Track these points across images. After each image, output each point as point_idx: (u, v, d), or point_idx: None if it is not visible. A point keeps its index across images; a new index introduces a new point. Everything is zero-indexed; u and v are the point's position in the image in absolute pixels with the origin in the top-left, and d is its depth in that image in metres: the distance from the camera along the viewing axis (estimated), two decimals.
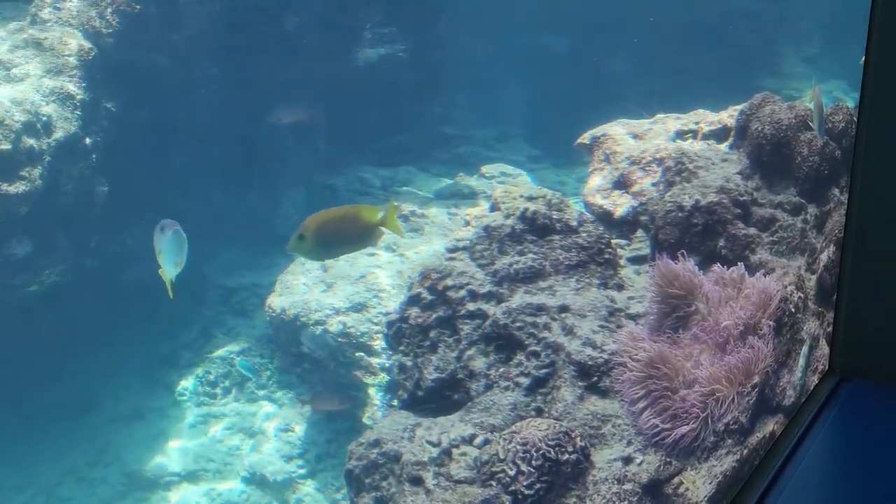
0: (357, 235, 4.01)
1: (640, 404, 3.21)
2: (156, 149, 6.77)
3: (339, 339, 5.41)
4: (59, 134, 5.71)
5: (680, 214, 3.86)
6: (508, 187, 4.61)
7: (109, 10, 6.24)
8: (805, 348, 3.49)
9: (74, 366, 6.17)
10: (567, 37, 8.76)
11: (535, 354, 3.56)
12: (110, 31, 6.27)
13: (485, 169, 6.89)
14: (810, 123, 4.03)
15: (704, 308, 3.38)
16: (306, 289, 5.63)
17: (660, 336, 3.40)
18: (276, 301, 5.72)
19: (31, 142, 5.45)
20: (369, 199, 7.02)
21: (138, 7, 6.21)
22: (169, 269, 3.57)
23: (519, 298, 3.79)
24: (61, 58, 6.00)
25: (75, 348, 6.10)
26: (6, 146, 5.22)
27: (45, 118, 5.64)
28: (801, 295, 3.55)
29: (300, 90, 7.00)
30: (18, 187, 5.33)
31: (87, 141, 6.04)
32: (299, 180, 7.52)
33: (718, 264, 3.59)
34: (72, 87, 5.94)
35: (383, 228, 3.95)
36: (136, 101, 6.62)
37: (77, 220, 6.09)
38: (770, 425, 3.32)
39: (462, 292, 3.87)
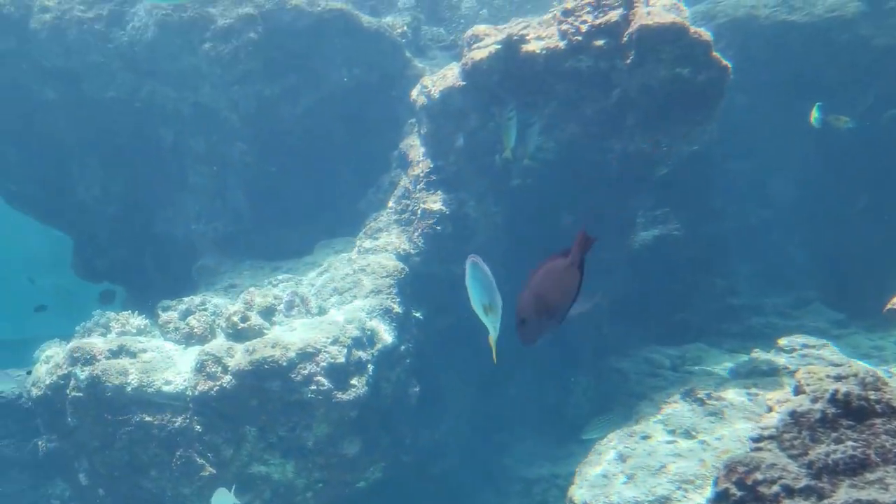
0: None
1: None
2: (457, 351, 7.48)
3: None
4: (380, 345, 6.64)
5: None
6: (812, 367, 4.30)
7: (416, 233, 7.34)
8: None
9: None
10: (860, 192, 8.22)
11: None
12: (417, 251, 7.33)
13: (783, 341, 6.45)
14: None
15: None
16: (606, 480, 5.58)
17: None
18: (577, 493, 5.73)
19: (359, 353, 6.39)
20: (660, 381, 6.91)
21: (438, 228, 7.21)
22: (478, 310, 3.62)
23: (844, 494, 3.41)
24: (381, 279, 7.11)
25: None
26: (341, 360, 6.18)
27: (369, 332, 6.62)
28: None
29: (581, 280, 7.35)
30: (350, 394, 6.19)
31: (402, 348, 6.91)
32: (586, 366, 7.69)
33: None
34: (389, 303, 6.95)
35: None
36: (439, 309, 7.49)
37: (395, 419, 6.83)
38: None
39: (775, 487, 3.59)
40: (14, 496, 7.21)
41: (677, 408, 6.07)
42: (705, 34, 6.15)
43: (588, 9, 6.22)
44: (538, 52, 6.42)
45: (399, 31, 9.05)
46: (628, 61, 6.15)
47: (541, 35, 6.48)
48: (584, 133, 6.66)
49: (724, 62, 6.22)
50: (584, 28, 6.20)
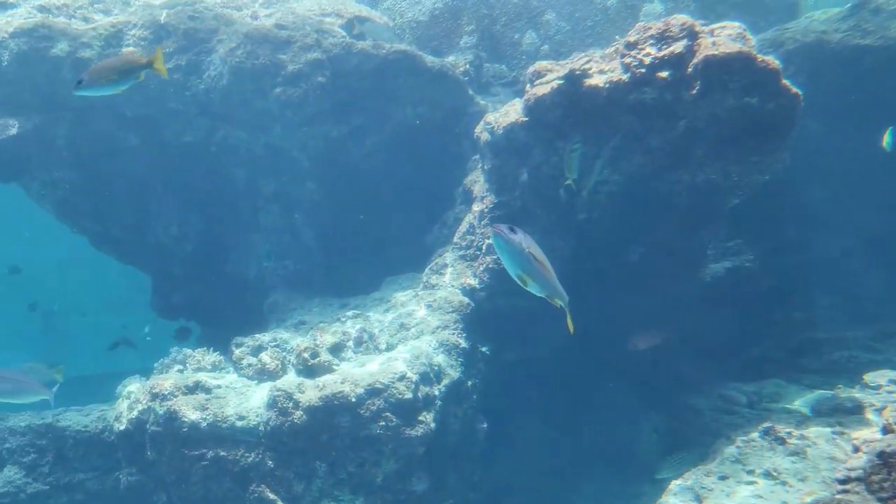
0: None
1: None
2: (523, 385, 7.41)
3: None
4: (447, 380, 6.64)
5: None
6: None
7: (481, 268, 7.36)
8: None
9: None
10: None
11: None
12: (482, 286, 7.34)
13: (868, 377, 6.14)
14: None
15: None
16: None
17: None
18: None
19: (426, 389, 6.40)
20: (737, 419, 6.66)
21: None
22: (513, 273, 3.78)
23: None
24: (447, 314, 7.14)
25: None
26: (409, 396, 6.20)
27: (436, 368, 6.63)
28: None
29: (650, 314, 7.22)
30: (418, 430, 6.19)
31: (469, 384, 6.89)
32: (658, 402, 7.50)
33: None
34: (455, 338, 6.97)
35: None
36: (505, 343, 7.46)
37: (462, 456, 6.79)
38: None
39: None
40: None
41: (756, 447, 5.85)
42: (773, 62, 6.03)
43: (651, 41, 6.19)
44: (601, 85, 6.41)
45: (461, 69, 9.20)
46: (694, 92, 6.07)
47: (603, 69, 6.48)
48: (651, 165, 6.59)
49: (795, 90, 6.08)
50: (647, 60, 6.17)
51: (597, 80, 6.43)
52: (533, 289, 4.13)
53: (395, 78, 8.28)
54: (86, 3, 8.76)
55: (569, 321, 4.17)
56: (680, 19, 6.18)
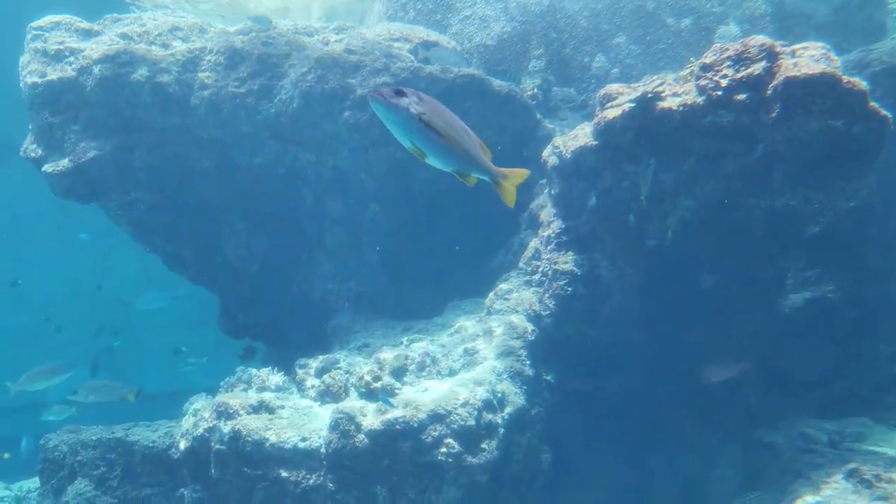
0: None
1: None
2: (589, 416, 7.19)
3: None
4: (510, 408, 6.50)
5: None
6: None
7: (547, 294, 7.22)
8: None
9: None
10: None
11: None
12: (548, 312, 7.19)
13: None
14: None
15: None
16: None
17: None
18: None
19: (489, 416, 6.27)
20: (817, 458, 6.29)
21: (570, 290, 7.06)
22: (406, 145, 3.25)
23: None
24: (511, 340, 7.01)
25: None
26: (472, 423, 6.09)
27: (499, 394, 6.50)
28: None
29: (725, 345, 6.93)
30: (480, 458, 6.06)
31: (533, 412, 6.73)
32: (734, 437, 7.15)
33: None
34: (519, 365, 6.83)
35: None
36: (571, 372, 7.27)
37: (525, 486, 6.61)
38: None
39: None
40: None
41: (839, 489, 5.52)
42: (860, 83, 5.76)
43: (728, 63, 6.00)
44: (675, 108, 6.24)
45: (529, 93, 9.14)
46: (773, 115, 5.84)
47: (677, 91, 6.32)
48: (726, 190, 6.36)
49: (883, 112, 5.79)
50: (724, 83, 5.98)
51: (670, 103, 6.27)
52: (434, 163, 3.60)
53: (462, 102, 8.27)
54: (165, 30, 9.09)
55: (505, 195, 3.57)
56: (759, 40, 5.98)
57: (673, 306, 7.03)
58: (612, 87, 6.79)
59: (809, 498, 5.57)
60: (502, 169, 3.64)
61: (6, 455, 9.84)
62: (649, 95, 6.37)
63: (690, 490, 7.32)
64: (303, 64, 8.31)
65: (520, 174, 3.63)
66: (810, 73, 5.68)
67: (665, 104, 6.30)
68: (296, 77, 8.27)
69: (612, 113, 6.55)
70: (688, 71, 6.42)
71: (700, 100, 6.15)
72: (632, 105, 6.44)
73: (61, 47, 8.73)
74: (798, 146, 5.91)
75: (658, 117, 6.34)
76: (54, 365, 8.27)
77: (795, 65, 5.73)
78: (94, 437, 7.87)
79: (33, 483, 11.50)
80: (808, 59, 5.78)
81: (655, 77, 6.62)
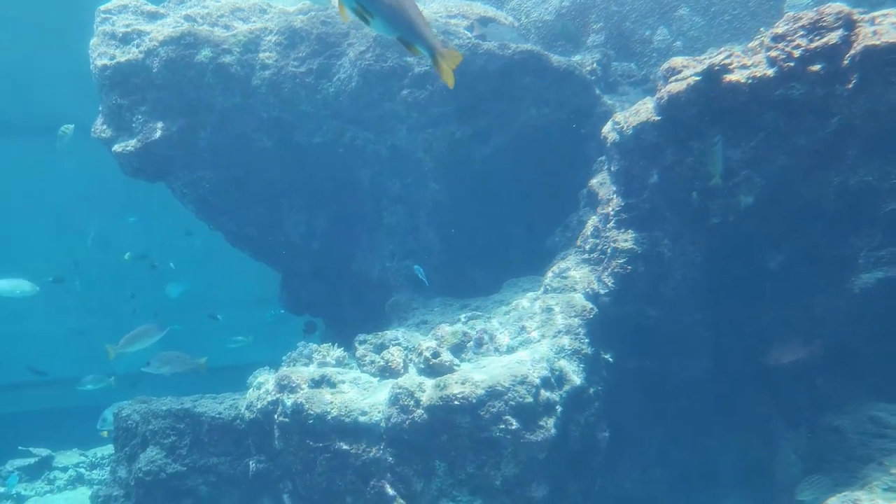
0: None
1: None
2: (648, 396, 7.10)
3: None
4: (568, 386, 6.46)
5: None
6: None
7: (606, 273, 7.13)
8: None
9: None
10: None
11: None
12: (606, 291, 7.10)
13: None
14: None
15: None
16: None
17: None
18: None
19: (547, 394, 6.26)
20: (889, 444, 6.09)
21: (629, 268, 6.95)
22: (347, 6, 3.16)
23: None
24: (569, 318, 6.96)
25: None
26: (529, 400, 6.08)
27: (557, 372, 6.47)
28: None
29: (792, 326, 6.74)
30: (538, 435, 6.06)
31: (591, 391, 6.68)
32: (798, 421, 6.98)
33: None
34: (577, 344, 6.78)
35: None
36: (630, 351, 7.18)
37: (583, 465, 6.59)
38: None
39: None
40: None
41: None
42: None
43: (802, 32, 5.77)
44: (743, 81, 6.04)
45: (588, 68, 8.98)
46: (850, 86, 5.60)
47: (745, 63, 6.10)
48: (796, 166, 6.14)
49: None
50: (797, 53, 5.75)
51: (738, 76, 6.06)
52: (378, 26, 3.54)
53: (520, 78, 8.19)
54: (227, 12, 9.24)
55: (442, 73, 3.53)
56: (835, 7, 5.73)
57: (737, 286, 6.86)
58: (677, 61, 6.60)
59: (880, 483, 5.41)
60: (444, 48, 3.67)
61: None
62: (716, 68, 6.17)
63: (753, 474, 7.18)
64: (361, 43, 8.34)
65: (455, 56, 3.68)
66: (891, 41, 5.41)
67: (733, 77, 6.10)
68: (354, 56, 8.31)
69: (676, 87, 6.38)
70: (757, 42, 6.20)
71: (770, 72, 5.94)
72: (697, 78, 6.26)
73: (128, 30, 8.96)
74: (876, 119, 5.65)
75: (725, 91, 6.14)
76: (149, 327, 8.72)
77: (875, 33, 5.47)
78: (164, 408, 8.18)
79: (107, 450, 12.06)
80: (888, 26, 5.50)
81: (722, 49, 6.41)
